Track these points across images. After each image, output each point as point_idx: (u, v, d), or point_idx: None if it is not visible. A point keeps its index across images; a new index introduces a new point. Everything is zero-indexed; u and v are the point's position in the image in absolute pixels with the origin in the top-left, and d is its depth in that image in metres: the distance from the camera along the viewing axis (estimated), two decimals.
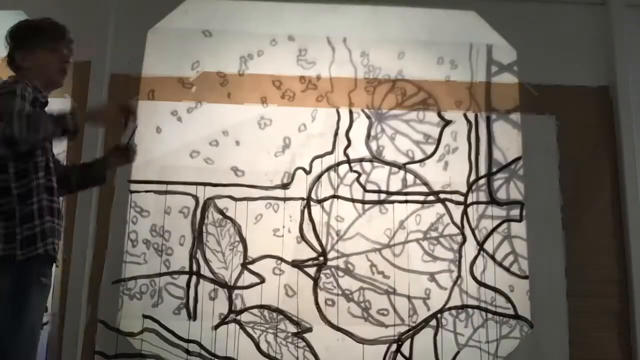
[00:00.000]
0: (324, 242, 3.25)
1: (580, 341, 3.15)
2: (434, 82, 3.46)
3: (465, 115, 3.43)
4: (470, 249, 3.29)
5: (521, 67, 3.48)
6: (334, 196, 3.32)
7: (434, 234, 3.30)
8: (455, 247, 3.29)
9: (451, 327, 3.21)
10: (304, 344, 3.15)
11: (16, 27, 2.26)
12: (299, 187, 3.30)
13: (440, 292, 3.24)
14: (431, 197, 3.33)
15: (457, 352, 3.17)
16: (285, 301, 3.18)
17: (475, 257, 3.28)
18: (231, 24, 3.49)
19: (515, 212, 3.31)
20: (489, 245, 3.28)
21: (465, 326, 3.21)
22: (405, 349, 3.18)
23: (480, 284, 3.25)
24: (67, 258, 3.10)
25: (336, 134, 3.38)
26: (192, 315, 3.18)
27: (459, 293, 3.24)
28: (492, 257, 3.28)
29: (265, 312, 3.18)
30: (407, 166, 3.36)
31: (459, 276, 3.25)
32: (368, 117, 3.41)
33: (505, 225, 3.30)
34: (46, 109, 2.06)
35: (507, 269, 3.26)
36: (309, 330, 3.16)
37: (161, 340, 3.15)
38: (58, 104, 3.34)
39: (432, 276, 3.25)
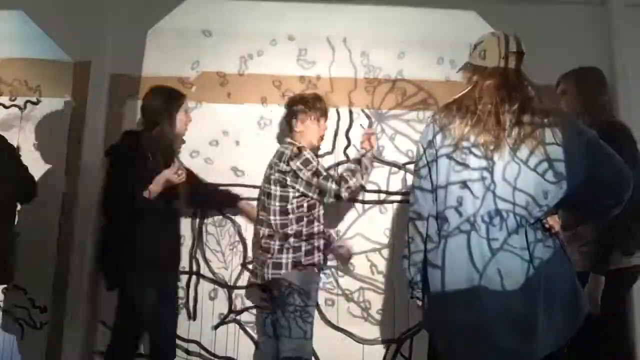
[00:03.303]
0: None
1: None
2: (434, 82, 3.46)
3: None
4: None
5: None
6: None
7: None
8: None
9: None
10: None
11: None
12: None
13: None
14: None
15: None
16: None
17: None
18: (231, 24, 3.49)
19: None
20: None
21: None
22: (405, 349, 3.18)
23: None
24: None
25: (336, 134, 3.38)
26: (192, 315, 3.18)
27: None
28: None
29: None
30: (407, 166, 3.36)
31: None
32: (368, 117, 3.41)
33: None
34: None
35: None
36: None
37: None
38: (58, 104, 3.37)
39: None
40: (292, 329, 2.71)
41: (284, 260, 2.77)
